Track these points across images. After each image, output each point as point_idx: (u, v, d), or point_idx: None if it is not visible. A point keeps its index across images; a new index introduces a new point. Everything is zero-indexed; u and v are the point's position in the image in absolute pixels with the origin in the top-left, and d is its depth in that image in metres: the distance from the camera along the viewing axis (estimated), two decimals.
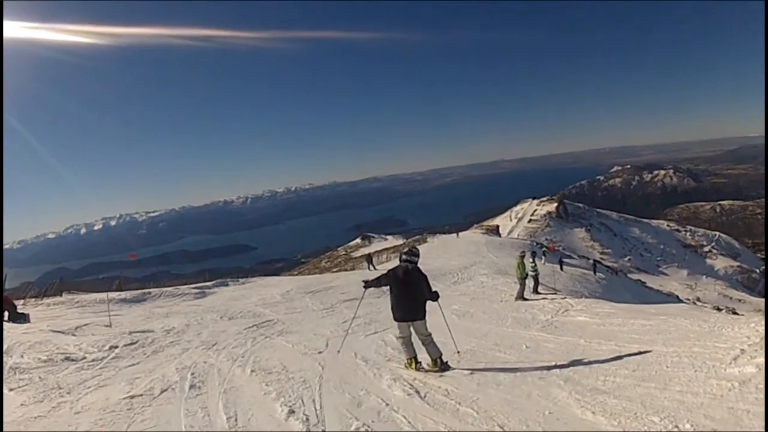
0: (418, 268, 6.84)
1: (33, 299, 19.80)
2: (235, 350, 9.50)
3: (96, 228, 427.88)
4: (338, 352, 8.48)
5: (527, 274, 16.90)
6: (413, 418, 4.92)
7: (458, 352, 7.75)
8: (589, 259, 60.50)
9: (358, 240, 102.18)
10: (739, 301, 60.95)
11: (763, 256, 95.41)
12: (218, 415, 5.40)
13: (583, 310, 12.51)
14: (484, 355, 8.02)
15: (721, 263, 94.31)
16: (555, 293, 18.78)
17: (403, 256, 6.96)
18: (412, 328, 6.74)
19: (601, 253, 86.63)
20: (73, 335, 11.50)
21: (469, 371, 6.64)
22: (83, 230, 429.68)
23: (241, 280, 28.60)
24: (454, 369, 6.76)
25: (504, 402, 5.23)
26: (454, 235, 67.32)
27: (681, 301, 40.57)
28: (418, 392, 5.76)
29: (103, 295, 19.55)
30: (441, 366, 6.69)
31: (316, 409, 5.38)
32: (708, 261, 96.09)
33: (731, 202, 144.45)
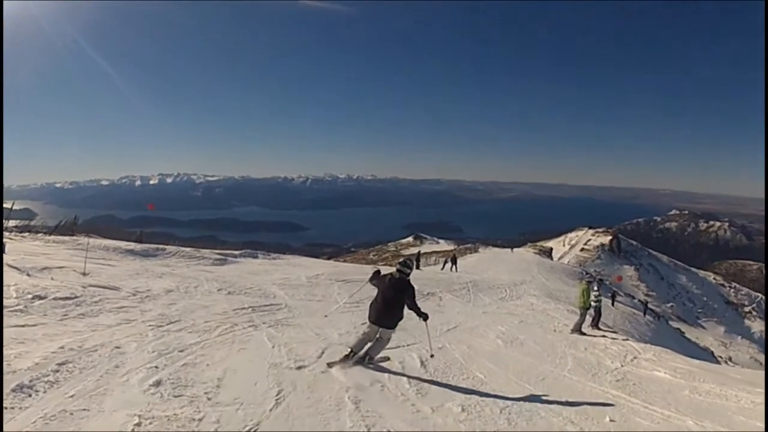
0: (408, 280, 6.74)
1: (40, 234, 18.75)
2: (187, 336, 6.93)
3: (151, 182, 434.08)
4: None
5: (590, 305, 14.44)
6: None
7: (432, 355, 7.46)
8: (634, 297, 58.52)
9: (410, 238, 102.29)
10: None
11: None
12: None
13: (655, 361, 10.42)
14: (548, 423, 5.52)
15: (758, 326, 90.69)
16: (614, 332, 16.39)
17: (397, 266, 6.88)
18: (379, 333, 6.66)
19: (646, 295, 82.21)
20: (27, 275, 9.68)
21: None
22: (138, 182, 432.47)
23: (272, 255, 26.11)
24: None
25: None
26: (508, 249, 65.65)
27: (715, 359, 40.09)
28: None
29: (109, 242, 18.54)
30: (365, 362, 6.58)
31: None
32: (746, 321, 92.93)
33: None
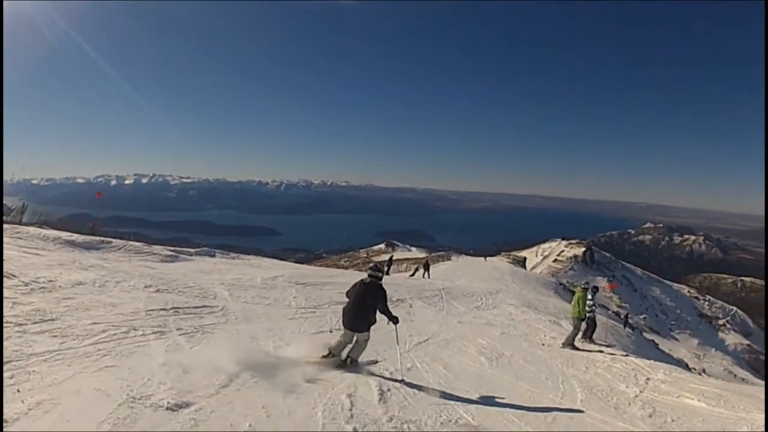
0: (379, 284, 6.76)
1: None
2: (44, 341, 5.29)
3: (127, 182, 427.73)
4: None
5: (584, 315, 13.14)
6: None
7: (402, 380, 6.45)
8: (608, 309, 57.80)
9: (382, 245, 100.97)
10: (743, 380, 56.49)
11: None
12: None
13: (672, 383, 9.09)
14: None
15: (732, 339, 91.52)
16: (609, 346, 14.86)
17: (368, 271, 6.97)
18: (355, 337, 6.62)
19: (619, 306, 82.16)
20: None
21: None
22: (114, 182, 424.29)
23: (231, 255, 24.14)
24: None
25: None
26: (481, 258, 64.15)
27: (689, 370, 37.71)
28: None
29: (50, 232, 16.79)
30: (348, 365, 6.54)
31: None
32: (720, 334, 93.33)
33: (753, 279, 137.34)
